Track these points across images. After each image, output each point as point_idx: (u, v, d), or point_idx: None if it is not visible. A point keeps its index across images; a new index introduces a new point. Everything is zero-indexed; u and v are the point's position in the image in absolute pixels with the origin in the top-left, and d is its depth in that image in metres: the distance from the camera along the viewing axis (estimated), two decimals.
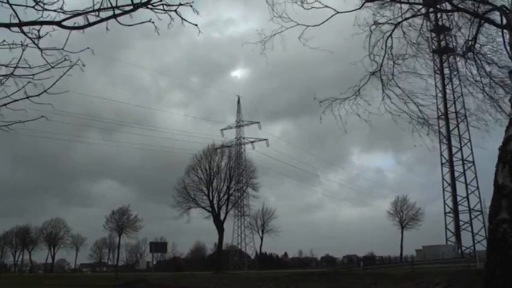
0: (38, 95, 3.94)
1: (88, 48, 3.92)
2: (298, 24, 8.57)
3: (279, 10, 8.53)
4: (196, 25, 4.02)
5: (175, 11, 3.81)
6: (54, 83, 3.90)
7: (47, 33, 3.76)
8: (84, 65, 3.82)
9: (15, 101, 4.01)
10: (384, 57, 9.33)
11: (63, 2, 3.69)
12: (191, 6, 3.84)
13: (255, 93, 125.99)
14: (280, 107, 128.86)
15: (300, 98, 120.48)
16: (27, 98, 3.97)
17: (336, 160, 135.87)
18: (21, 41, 3.75)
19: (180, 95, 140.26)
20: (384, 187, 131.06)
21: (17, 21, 3.66)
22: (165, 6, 3.79)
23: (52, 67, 3.80)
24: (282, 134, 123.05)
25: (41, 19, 3.71)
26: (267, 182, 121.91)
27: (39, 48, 3.77)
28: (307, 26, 8.68)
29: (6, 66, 3.84)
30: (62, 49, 3.75)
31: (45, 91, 3.90)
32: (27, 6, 3.69)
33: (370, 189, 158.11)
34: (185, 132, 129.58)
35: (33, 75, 3.86)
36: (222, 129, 77.82)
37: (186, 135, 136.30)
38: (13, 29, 3.73)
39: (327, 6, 8.35)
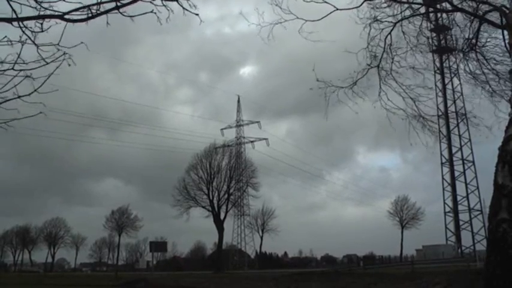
0: (29, 94, 3.95)
1: (82, 43, 3.93)
2: (297, 17, 8.56)
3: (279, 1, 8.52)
4: (197, 14, 4.01)
5: (177, 0, 3.81)
6: (45, 80, 3.91)
7: (50, 26, 3.75)
8: (71, 58, 3.81)
9: (7, 100, 4.04)
10: (382, 53, 9.33)
11: None
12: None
13: (264, 90, 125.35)
14: (288, 104, 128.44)
15: (308, 96, 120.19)
16: (18, 97, 3.98)
17: (341, 159, 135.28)
18: (20, 36, 3.75)
19: (188, 92, 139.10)
20: (388, 186, 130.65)
21: (15, 16, 3.65)
22: None
23: (47, 63, 3.79)
24: (289, 132, 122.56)
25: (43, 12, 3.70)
26: (270, 181, 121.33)
27: (35, 44, 3.77)
28: (306, 20, 8.68)
29: (2, 62, 3.83)
30: (57, 44, 3.75)
31: (35, 90, 3.92)
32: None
33: (373, 188, 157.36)
34: (191, 132, 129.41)
35: (30, 70, 3.86)
36: (222, 129, 77.89)
37: (191, 135, 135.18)
38: (13, 25, 3.72)
39: (326, 2, 8.36)
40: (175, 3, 3.86)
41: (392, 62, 9.47)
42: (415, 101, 9.80)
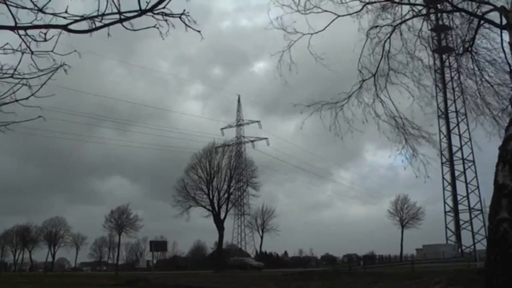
0: (26, 98, 4.08)
1: (75, 51, 4.05)
2: (303, 34, 8.64)
3: (280, 23, 8.64)
4: (199, 31, 4.03)
5: (180, 17, 3.84)
6: (41, 86, 4.02)
7: (53, 36, 3.82)
8: (66, 69, 3.90)
9: (5, 104, 4.15)
10: (380, 61, 9.28)
11: (67, 7, 3.75)
12: (187, 16, 3.88)
13: (279, 86, 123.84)
14: (301, 101, 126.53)
15: (321, 92, 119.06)
16: (16, 101, 4.11)
17: (350, 157, 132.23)
18: (20, 45, 3.83)
19: (199, 87, 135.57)
20: (394, 185, 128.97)
21: (18, 25, 3.71)
22: (167, 14, 3.85)
23: (41, 70, 3.89)
24: (299, 129, 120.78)
25: (40, 22, 3.75)
26: (276, 180, 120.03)
27: (31, 51, 3.85)
28: (312, 34, 8.74)
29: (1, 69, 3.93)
30: (51, 51, 3.84)
31: (32, 95, 4.05)
32: (30, 8, 3.71)
33: (380, 187, 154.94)
34: (201, 132, 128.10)
35: (29, 77, 3.93)
36: (222, 128, 77.87)
37: (200, 134, 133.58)
38: (15, 33, 3.78)
39: (326, 11, 8.39)
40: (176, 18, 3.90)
41: (388, 74, 9.40)
42: (403, 121, 9.72)
